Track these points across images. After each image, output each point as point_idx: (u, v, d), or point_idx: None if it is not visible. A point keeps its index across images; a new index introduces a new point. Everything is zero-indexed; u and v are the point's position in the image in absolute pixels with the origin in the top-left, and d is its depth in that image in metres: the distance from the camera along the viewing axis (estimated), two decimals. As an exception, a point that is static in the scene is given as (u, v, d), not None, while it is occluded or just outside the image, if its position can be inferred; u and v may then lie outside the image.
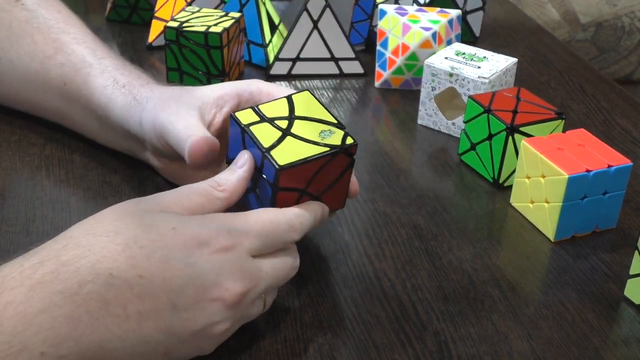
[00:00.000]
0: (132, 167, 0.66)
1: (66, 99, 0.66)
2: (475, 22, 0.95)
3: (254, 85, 0.57)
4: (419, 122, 0.77)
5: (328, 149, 0.49)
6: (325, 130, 0.50)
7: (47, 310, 0.39)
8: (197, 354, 0.45)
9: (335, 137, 0.50)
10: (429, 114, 0.76)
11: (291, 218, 0.48)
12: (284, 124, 0.50)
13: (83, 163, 0.67)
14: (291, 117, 0.51)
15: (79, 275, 0.40)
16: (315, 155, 0.48)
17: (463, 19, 0.92)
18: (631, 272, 0.54)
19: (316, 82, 0.85)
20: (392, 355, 0.49)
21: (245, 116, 0.51)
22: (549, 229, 0.60)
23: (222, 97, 0.57)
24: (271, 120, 0.51)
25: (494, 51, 0.77)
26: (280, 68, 0.85)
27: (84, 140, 0.69)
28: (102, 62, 0.64)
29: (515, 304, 0.54)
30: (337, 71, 0.86)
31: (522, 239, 0.61)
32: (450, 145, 0.74)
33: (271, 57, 0.85)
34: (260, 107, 0.52)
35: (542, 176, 0.60)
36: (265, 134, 0.49)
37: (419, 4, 0.92)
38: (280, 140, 0.49)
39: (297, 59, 0.84)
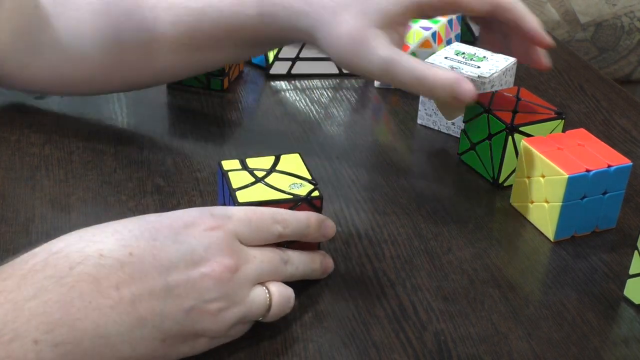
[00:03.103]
0: (132, 167, 0.66)
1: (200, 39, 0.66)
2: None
3: None
4: (419, 122, 0.77)
5: (291, 196, 0.52)
6: (296, 183, 0.53)
7: (38, 296, 0.39)
8: (196, 348, 0.45)
9: (303, 190, 0.53)
10: (428, 114, 0.76)
11: (275, 212, 0.49)
12: (261, 174, 0.54)
13: (82, 163, 0.67)
14: (271, 170, 0.55)
15: (69, 259, 0.41)
16: (275, 199, 0.51)
17: (463, 19, 0.92)
18: (631, 272, 0.54)
19: (316, 82, 0.85)
20: (392, 355, 0.49)
21: (230, 164, 0.55)
22: (549, 228, 0.60)
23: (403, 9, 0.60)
24: (251, 170, 0.54)
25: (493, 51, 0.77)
26: (280, 67, 0.85)
27: (84, 140, 0.69)
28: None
29: (515, 304, 0.54)
30: (336, 71, 0.86)
31: (522, 239, 0.61)
32: (450, 145, 0.74)
33: (271, 57, 0.85)
34: (247, 159, 0.55)
35: (542, 176, 0.60)
36: (239, 179, 0.53)
37: (418, 4, 0.92)
38: (250, 185, 0.53)
39: (297, 58, 0.84)
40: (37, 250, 0.42)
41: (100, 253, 0.42)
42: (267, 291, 0.48)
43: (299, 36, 0.64)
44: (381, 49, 0.59)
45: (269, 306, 0.48)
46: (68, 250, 0.41)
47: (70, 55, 0.67)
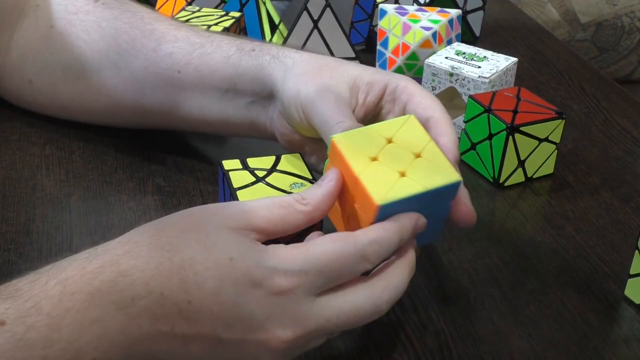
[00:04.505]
0: (132, 167, 0.66)
1: (179, 88, 0.62)
2: (476, 21, 0.95)
3: (402, 82, 0.55)
4: (419, 121, 0.77)
5: None
6: (297, 183, 0.53)
7: (102, 320, 0.40)
8: None
9: (304, 189, 0.51)
10: (429, 114, 0.76)
11: (364, 247, 0.43)
12: (261, 173, 0.54)
13: (83, 162, 0.67)
14: (271, 170, 0.55)
15: (134, 289, 0.41)
16: None
17: (463, 19, 0.92)
18: (631, 272, 0.54)
19: (316, 82, 0.84)
20: (392, 355, 0.49)
21: (230, 164, 0.55)
22: None
23: (371, 83, 0.55)
24: (252, 170, 0.54)
25: (494, 51, 0.77)
26: (280, 68, 0.85)
27: (84, 140, 0.69)
28: (212, 39, 0.61)
29: (515, 303, 0.54)
30: (337, 71, 0.86)
31: (522, 238, 0.61)
32: (451, 145, 0.74)
33: (271, 57, 0.85)
34: (248, 159, 0.55)
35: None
36: (240, 179, 0.53)
37: (419, 4, 0.92)
38: (251, 184, 0.53)
39: (297, 58, 0.84)
40: (106, 260, 0.41)
41: (162, 292, 0.41)
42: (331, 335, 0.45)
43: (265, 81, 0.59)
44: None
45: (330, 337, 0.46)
46: (135, 277, 0.41)
47: (69, 77, 0.66)
